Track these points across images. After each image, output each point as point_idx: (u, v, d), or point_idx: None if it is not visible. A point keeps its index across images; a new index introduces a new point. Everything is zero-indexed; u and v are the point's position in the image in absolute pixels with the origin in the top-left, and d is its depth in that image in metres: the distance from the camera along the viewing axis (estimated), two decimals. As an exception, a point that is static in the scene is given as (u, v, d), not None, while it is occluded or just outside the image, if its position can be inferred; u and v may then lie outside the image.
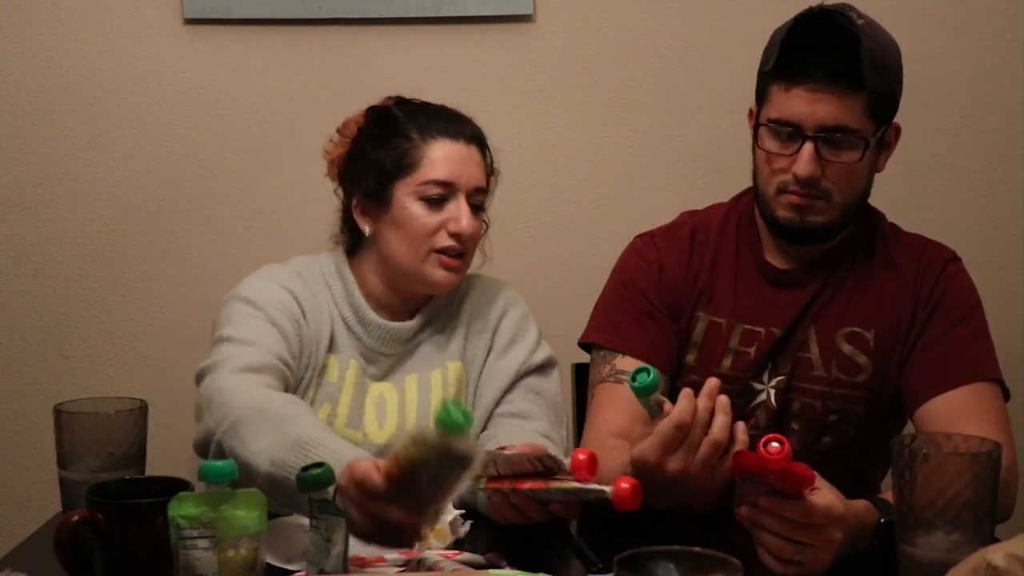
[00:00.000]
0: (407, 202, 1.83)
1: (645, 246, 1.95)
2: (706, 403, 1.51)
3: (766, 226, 1.87)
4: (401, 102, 1.92)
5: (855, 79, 1.72)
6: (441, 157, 1.84)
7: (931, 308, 1.84)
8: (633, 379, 1.50)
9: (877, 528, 1.54)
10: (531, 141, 2.56)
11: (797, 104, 1.74)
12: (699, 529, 1.59)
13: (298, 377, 1.82)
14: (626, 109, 2.55)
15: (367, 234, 1.88)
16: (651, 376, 1.49)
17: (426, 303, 1.92)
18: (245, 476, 1.53)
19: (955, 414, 1.74)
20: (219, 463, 1.29)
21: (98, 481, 1.44)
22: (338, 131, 1.95)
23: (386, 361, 1.89)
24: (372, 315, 1.88)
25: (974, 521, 1.32)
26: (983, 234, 2.55)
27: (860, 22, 1.74)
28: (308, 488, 1.35)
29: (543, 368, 1.92)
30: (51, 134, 2.55)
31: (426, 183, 1.82)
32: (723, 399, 1.52)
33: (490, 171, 1.91)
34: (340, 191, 1.95)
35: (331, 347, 1.86)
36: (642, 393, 1.51)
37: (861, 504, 1.54)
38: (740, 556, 1.12)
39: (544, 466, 1.54)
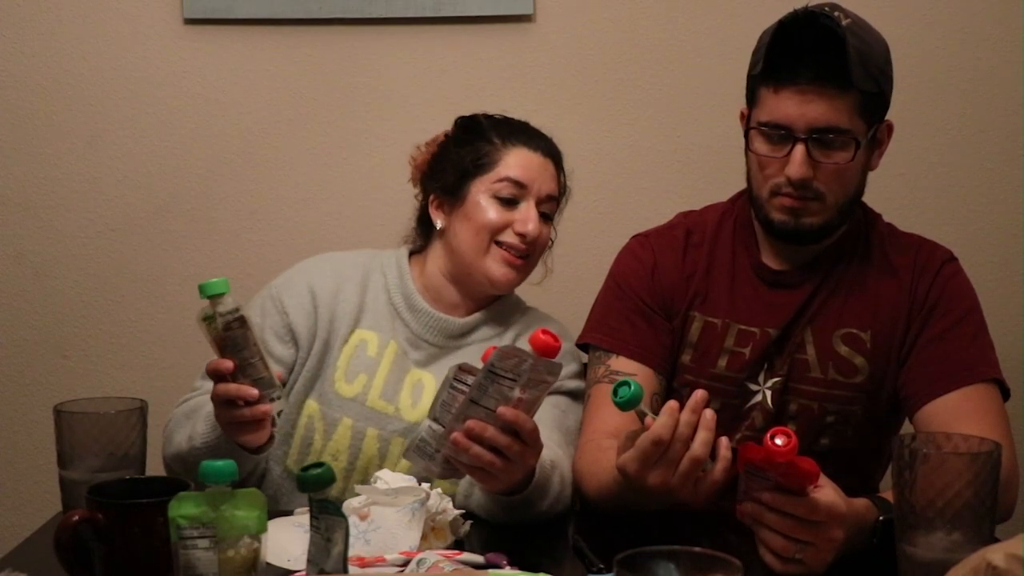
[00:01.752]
0: (480, 198, 1.91)
1: (639, 246, 1.96)
2: (689, 417, 1.50)
3: (761, 228, 1.87)
4: (488, 115, 2.01)
5: (844, 79, 1.71)
6: (517, 162, 1.92)
7: (928, 310, 1.84)
8: (615, 393, 1.51)
9: (876, 526, 1.54)
10: (531, 141, 2.56)
11: (787, 106, 1.74)
12: (698, 529, 1.59)
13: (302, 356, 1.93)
14: (626, 109, 2.56)
15: (438, 227, 1.95)
16: (632, 389, 1.49)
17: (484, 308, 1.97)
18: (183, 468, 1.76)
19: (954, 415, 1.74)
20: (219, 463, 1.29)
21: (98, 481, 1.44)
22: (424, 145, 2.03)
23: (430, 350, 1.94)
24: (422, 303, 1.95)
25: (974, 521, 1.32)
26: (982, 234, 2.55)
27: (846, 22, 1.73)
28: (308, 488, 1.35)
29: (574, 395, 1.94)
30: (51, 134, 2.55)
31: (500, 181, 1.90)
32: (708, 414, 1.51)
33: (563, 189, 1.98)
34: (420, 195, 2.02)
35: (361, 324, 1.93)
36: (624, 407, 1.51)
37: (861, 502, 1.54)
38: (739, 555, 1.12)
39: (469, 385, 1.51)
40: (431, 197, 1.97)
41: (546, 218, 1.94)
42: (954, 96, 2.54)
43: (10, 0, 2.52)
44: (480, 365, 1.52)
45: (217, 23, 2.52)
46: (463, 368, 1.53)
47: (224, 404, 1.63)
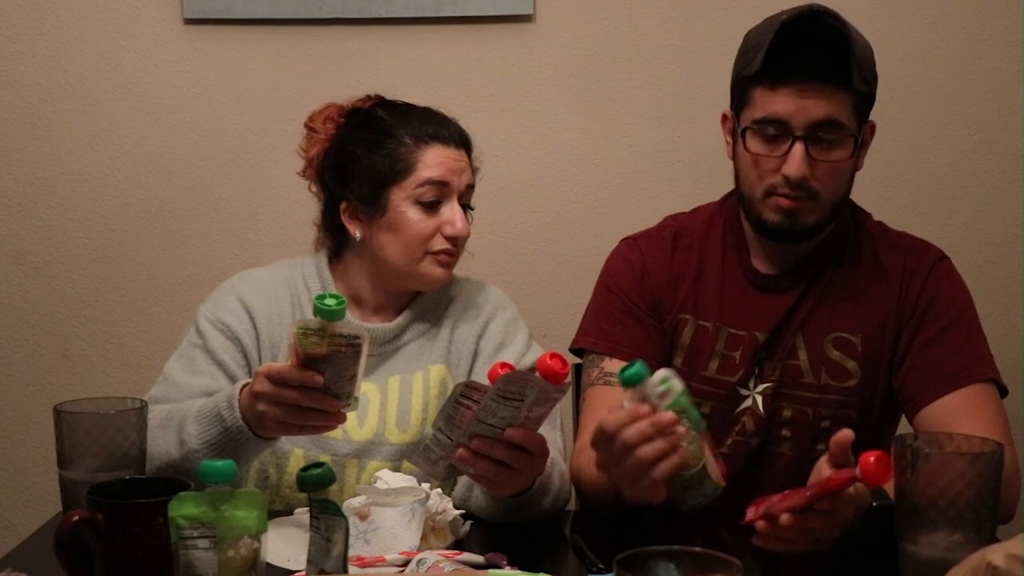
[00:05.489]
0: (404, 207, 1.84)
1: (628, 249, 1.96)
2: (643, 427, 1.46)
3: (753, 229, 1.86)
4: (383, 103, 1.93)
5: (843, 79, 1.71)
6: (435, 161, 1.84)
7: (921, 312, 1.83)
8: (622, 372, 1.50)
9: (869, 511, 1.54)
10: (531, 141, 2.56)
11: (785, 103, 1.73)
12: (697, 529, 1.59)
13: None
14: (626, 109, 2.55)
15: (357, 238, 1.88)
16: (634, 367, 1.49)
17: (410, 304, 1.92)
18: (169, 470, 1.67)
19: (954, 417, 1.74)
20: (219, 463, 1.29)
21: (98, 481, 1.44)
22: (308, 127, 1.94)
23: (368, 360, 1.87)
24: (349, 316, 1.87)
25: (976, 521, 1.32)
26: (982, 234, 2.55)
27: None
28: (308, 488, 1.35)
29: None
30: (51, 134, 2.55)
31: (422, 186, 1.83)
32: (679, 431, 1.47)
33: (475, 170, 1.93)
34: (318, 190, 1.94)
35: None
36: (628, 384, 1.50)
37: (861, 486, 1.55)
38: (738, 555, 1.12)
39: (475, 400, 1.49)
40: (343, 206, 1.88)
41: (467, 208, 1.89)
42: (954, 96, 2.54)
43: (10, 0, 2.52)
44: (486, 381, 1.51)
45: (217, 23, 2.52)
46: (470, 385, 1.50)
47: (280, 405, 1.55)
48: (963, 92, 2.54)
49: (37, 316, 2.59)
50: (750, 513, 1.49)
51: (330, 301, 1.49)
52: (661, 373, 1.50)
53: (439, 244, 1.85)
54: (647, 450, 1.45)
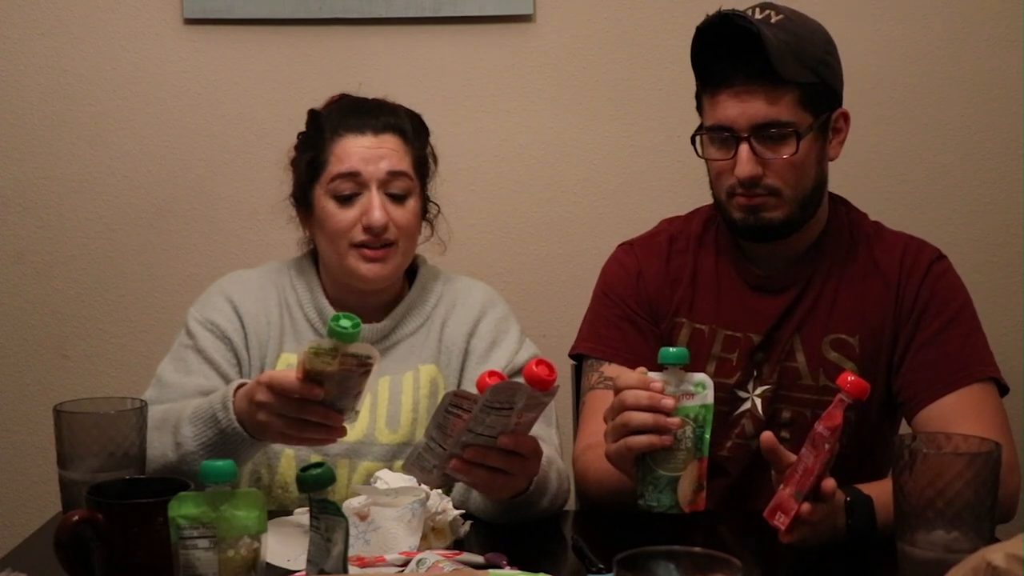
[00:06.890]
0: (323, 202, 1.84)
1: (624, 254, 1.96)
2: (642, 398, 1.50)
3: (729, 230, 1.86)
4: (335, 102, 1.92)
5: (774, 74, 1.71)
6: (344, 152, 1.83)
7: (919, 312, 1.82)
8: (667, 349, 1.53)
9: (847, 507, 1.57)
10: (531, 141, 2.56)
11: (725, 108, 1.75)
12: (698, 529, 1.60)
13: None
14: (626, 109, 2.55)
15: (307, 239, 1.91)
16: (681, 349, 1.53)
17: (396, 306, 1.92)
18: (166, 472, 1.67)
19: (952, 418, 1.73)
20: (219, 463, 1.29)
21: (98, 481, 1.44)
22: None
23: None
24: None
25: (974, 521, 1.32)
26: (982, 234, 2.55)
27: (777, 18, 1.73)
28: (308, 488, 1.35)
29: None
30: (51, 134, 2.55)
31: (334, 180, 1.83)
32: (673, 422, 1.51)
33: (418, 159, 1.89)
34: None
35: (285, 347, 1.88)
36: (667, 360, 1.52)
37: None
38: (738, 555, 1.13)
39: (465, 409, 1.49)
40: (294, 209, 1.91)
41: (397, 199, 1.84)
42: (954, 96, 2.54)
43: (10, 0, 2.52)
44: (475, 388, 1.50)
45: (217, 23, 2.52)
46: (459, 394, 1.50)
47: (281, 417, 1.55)
48: (963, 92, 2.54)
49: (37, 316, 2.59)
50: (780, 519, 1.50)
51: (345, 323, 1.46)
52: (703, 377, 1.52)
53: (359, 236, 1.82)
54: (632, 416, 1.50)
